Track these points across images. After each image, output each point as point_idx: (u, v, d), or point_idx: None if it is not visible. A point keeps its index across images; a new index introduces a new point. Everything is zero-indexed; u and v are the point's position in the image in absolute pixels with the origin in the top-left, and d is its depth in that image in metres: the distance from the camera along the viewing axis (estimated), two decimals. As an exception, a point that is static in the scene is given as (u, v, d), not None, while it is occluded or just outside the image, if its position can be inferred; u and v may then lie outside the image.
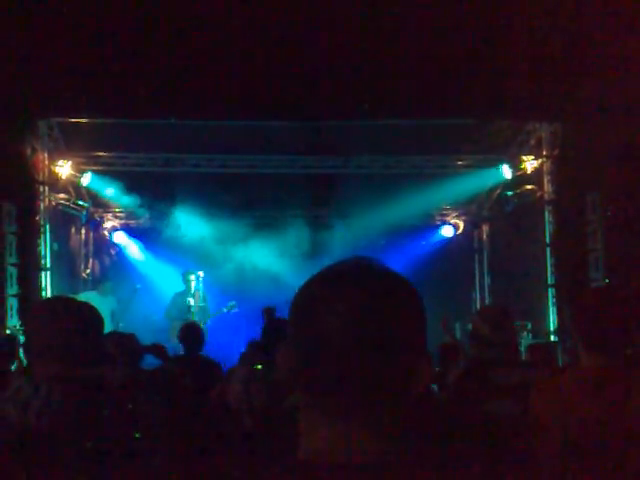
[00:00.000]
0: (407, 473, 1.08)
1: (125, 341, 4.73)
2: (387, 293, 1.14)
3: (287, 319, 1.18)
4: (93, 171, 11.08)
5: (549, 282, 9.79)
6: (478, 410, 3.37)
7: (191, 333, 6.27)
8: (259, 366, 4.33)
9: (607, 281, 8.15)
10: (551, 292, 9.73)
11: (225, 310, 11.29)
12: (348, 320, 1.09)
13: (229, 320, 11.50)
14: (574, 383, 2.59)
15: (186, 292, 11.36)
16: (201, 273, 11.55)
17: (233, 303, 11.27)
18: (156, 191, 11.58)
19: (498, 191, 11.69)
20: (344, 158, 11.15)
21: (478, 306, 12.92)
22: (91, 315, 2.45)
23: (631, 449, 2.34)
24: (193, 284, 11.38)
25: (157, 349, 5.20)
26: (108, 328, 10.16)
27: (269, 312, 9.19)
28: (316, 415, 1.13)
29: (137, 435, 2.26)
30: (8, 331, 8.50)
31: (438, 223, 13.64)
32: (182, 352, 6.32)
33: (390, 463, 1.09)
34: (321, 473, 1.08)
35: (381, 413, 1.11)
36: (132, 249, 13.42)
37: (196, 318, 10.57)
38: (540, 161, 10.07)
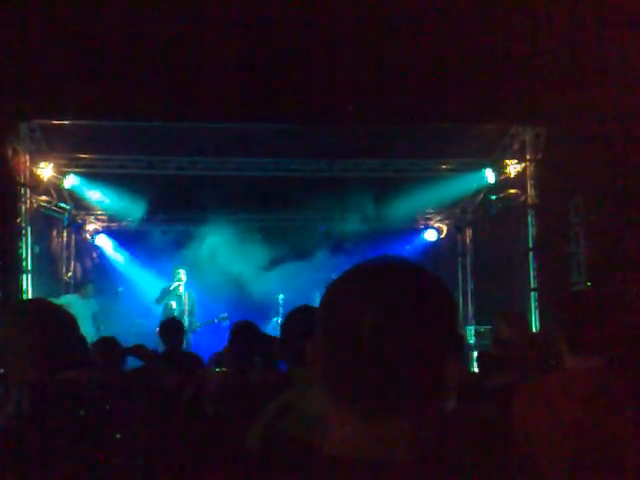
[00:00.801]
0: (435, 474, 1.07)
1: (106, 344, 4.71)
2: (421, 290, 1.13)
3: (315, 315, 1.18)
4: (75, 173, 11.00)
5: (532, 286, 9.82)
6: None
7: (171, 328, 6.26)
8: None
9: (589, 285, 8.19)
10: (534, 296, 9.76)
11: (216, 321, 11.21)
12: (383, 316, 1.08)
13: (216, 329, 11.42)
14: (557, 386, 2.59)
15: (174, 288, 11.26)
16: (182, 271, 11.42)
17: (225, 315, 11.17)
18: (139, 193, 11.49)
19: (482, 195, 11.74)
20: (328, 161, 11.13)
21: (461, 310, 12.96)
22: (65, 318, 2.41)
23: (614, 451, 2.33)
24: (183, 278, 11.28)
25: (138, 350, 5.17)
26: (89, 331, 10.12)
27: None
28: (344, 411, 1.11)
29: (117, 436, 2.23)
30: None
31: (422, 227, 13.67)
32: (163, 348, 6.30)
33: (418, 463, 1.08)
34: (347, 469, 1.07)
35: (413, 411, 1.10)
36: (114, 252, 13.34)
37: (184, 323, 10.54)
38: (523, 165, 10.11)
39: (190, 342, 10.98)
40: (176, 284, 11.14)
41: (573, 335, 2.58)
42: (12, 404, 2.13)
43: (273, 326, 11.37)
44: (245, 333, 4.70)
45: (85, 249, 13.32)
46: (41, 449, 2.12)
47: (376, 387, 1.08)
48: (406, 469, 1.07)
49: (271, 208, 12.38)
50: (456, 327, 1.16)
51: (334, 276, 1.22)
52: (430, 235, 13.50)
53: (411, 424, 1.09)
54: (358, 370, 1.08)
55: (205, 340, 10.76)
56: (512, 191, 10.41)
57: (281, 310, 11.73)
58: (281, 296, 11.94)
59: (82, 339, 4.81)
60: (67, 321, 2.43)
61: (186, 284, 11.35)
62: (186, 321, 10.87)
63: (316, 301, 2.70)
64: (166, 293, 11.16)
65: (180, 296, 11.21)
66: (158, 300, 11.19)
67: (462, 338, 1.21)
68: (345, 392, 1.11)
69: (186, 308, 11.13)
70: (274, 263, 12.39)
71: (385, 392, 1.08)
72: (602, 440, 2.35)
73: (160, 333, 6.27)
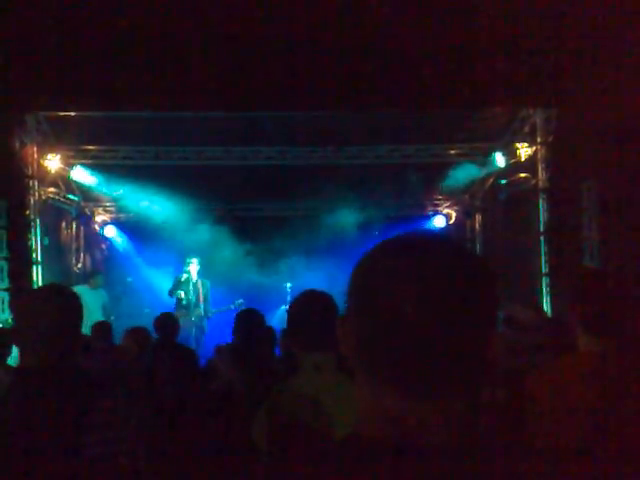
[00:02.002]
0: (474, 459, 1.02)
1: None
2: (462, 264, 1.07)
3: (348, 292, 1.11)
4: (83, 164, 11.00)
5: (543, 271, 9.74)
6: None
7: (167, 322, 6.30)
8: None
9: (602, 269, 8.10)
10: (545, 281, 9.68)
11: (232, 307, 11.22)
12: (424, 290, 1.02)
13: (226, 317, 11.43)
14: (570, 367, 2.55)
15: (187, 277, 11.25)
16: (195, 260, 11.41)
17: (241, 301, 11.20)
18: (146, 184, 11.48)
19: (491, 180, 11.63)
20: (335, 148, 11.07)
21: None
22: (76, 304, 2.40)
23: (627, 431, 2.29)
24: (194, 268, 11.27)
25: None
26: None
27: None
28: (381, 390, 1.05)
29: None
30: (0, 324, 8.44)
31: (430, 213, 13.59)
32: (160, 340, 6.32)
33: (460, 447, 1.03)
34: (381, 450, 1.02)
35: (457, 392, 1.05)
36: (123, 243, 13.36)
37: (198, 311, 10.58)
38: (534, 148, 10.00)
39: (205, 329, 11.00)
40: (185, 275, 11.13)
41: (587, 315, 2.54)
42: (19, 391, 2.12)
43: (281, 314, 11.37)
44: (247, 322, 4.69)
45: (94, 240, 13.36)
46: (45, 436, 2.10)
47: (420, 365, 1.02)
48: (445, 454, 1.01)
49: (278, 197, 12.36)
50: (497, 303, 1.09)
51: (341, 265, 1.17)
52: (439, 221, 13.41)
53: (455, 406, 1.04)
54: (400, 347, 1.03)
55: (220, 326, 10.76)
56: (523, 175, 10.29)
57: (289, 298, 11.72)
58: (289, 284, 11.92)
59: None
60: (78, 306, 2.43)
61: (199, 273, 11.35)
62: (201, 309, 10.89)
63: (325, 289, 2.64)
64: (178, 283, 11.16)
65: (194, 284, 11.21)
66: (172, 291, 11.19)
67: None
68: (385, 370, 1.05)
69: (200, 296, 11.13)
70: (282, 252, 12.36)
71: (430, 370, 1.03)
72: (615, 421, 2.32)
73: (156, 326, 6.29)
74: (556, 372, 2.59)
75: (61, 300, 2.39)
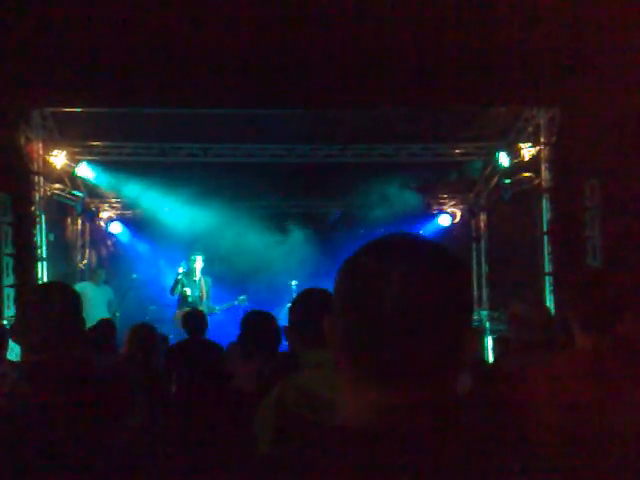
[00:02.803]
0: (452, 447, 1.07)
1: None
2: (440, 264, 1.16)
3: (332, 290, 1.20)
4: (88, 161, 11.04)
5: (546, 270, 9.76)
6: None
7: (194, 319, 6.38)
8: None
9: (604, 268, 8.11)
10: (548, 280, 9.70)
11: (236, 303, 11.28)
12: (404, 289, 1.10)
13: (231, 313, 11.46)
14: (568, 364, 2.59)
15: (190, 274, 11.30)
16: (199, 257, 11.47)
17: (243, 297, 11.27)
18: (152, 181, 11.53)
19: (496, 179, 11.65)
20: (341, 147, 11.10)
21: (475, 294, 12.92)
22: (77, 300, 2.43)
23: (622, 430, 2.32)
24: (198, 266, 11.32)
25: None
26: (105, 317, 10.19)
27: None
28: (362, 381, 1.13)
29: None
30: (5, 322, 8.47)
31: (435, 212, 13.61)
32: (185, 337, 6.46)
33: (436, 433, 1.08)
34: (362, 439, 1.08)
35: (431, 384, 1.11)
36: (128, 239, 13.41)
37: (202, 308, 10.60)
38: (538, 148, 10.02)
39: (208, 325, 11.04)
40: (180, 270, 11.17)
41: (585, 312, 2.58)
42: (8, 384, 2.15)
43: (286, 312, 11.38)
44: (255, 325, 4.74)
45: (99, 237, 13.40)
46: (54, 431, 2.13)
47: (399, 358, 1.10)
48: (424, 440, 1.07)
49: (284, 194, 12.38)
50: (472, 301, 1.19)
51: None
52: (444, 220, 13.43)
53: (430, 393, 1.10)
54: (380, 341, 1.10)
55: (224, 323, 10.79)
56: (526, 175, 10.32)
57: (294, 296, 11.72)
58: (294, 282, 11.95)
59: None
60: (79, 303, 2.46)
61: (202, 270, 11.40)
62: (204, 306, 10.94)
63: (329, 286, 2.68)
64: (177, 282, 11.21)
65: (198, 281, 11.26)
66: (172, 290, 11.26)
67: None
68: (367, 364, 1.12)
69: (203, 294, 11.19)
70: (287, 249, 12.39)
71: (408, 363, 1.10)
72: (610, 420, 2.34)
73: (183, 324, 6.41)
74: (553, 370, 2.62)
75: (61, 296, 2.42)
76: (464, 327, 1.15)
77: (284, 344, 4.05)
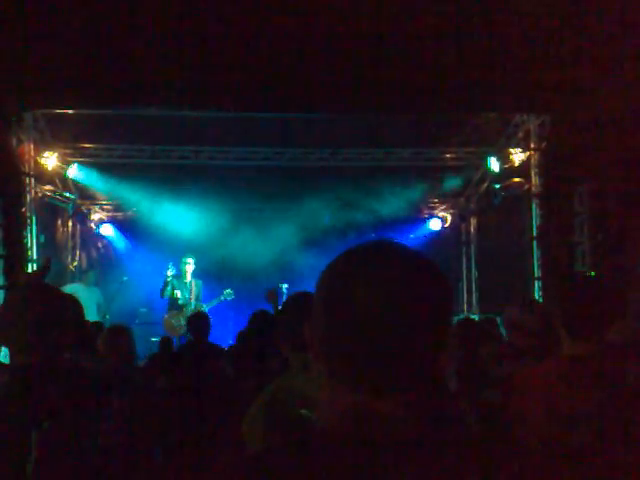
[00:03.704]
0: (432, 452, 1.08)
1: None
2: (418, 272, 1.16)
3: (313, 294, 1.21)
4: (79, 163, 11.03)
5: (535, 275, 9.81)
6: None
7: (199, 322, 6.40)
8: None
9: (592, 274, 8.16)
10: (537, 285, 9.75)
11: (222, 298, 11.28)
12: (380, 296, 1.11)
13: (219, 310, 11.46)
14: (554, 372, 2.60)
15: (181, 276, 11.31)
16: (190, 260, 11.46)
17: (229, 291, 11.27)
18: (143, 183, 11.52)
19: (486, 184, 11.72)
20: (331, 151, 11.13)
21: (465, 299, 12.98)
22: (65, 303, 2.43)
23: (608, 436, 2.34)
24: (189, 268, 11.33)
25: None
26: (95, 320, 10.16)
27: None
28: (340, 388, 1.13)
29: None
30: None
31: (426, 216, 13.66)
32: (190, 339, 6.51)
33: (417, 440, 1.09)
34: (340, 444, 1.09)
35: (408, 389, 1.12)
36: (119, 242, 13.39)
37: (191, 309, 10.60)
38: (528, 154, 10.08)
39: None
40: (169, 273, 11.17)
41: (572, 318, 2.60)
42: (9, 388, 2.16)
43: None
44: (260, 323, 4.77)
45: (90, 238, 13.37)
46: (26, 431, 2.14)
47: (377, 363, 1.10)
48: (401, 447, 1.08)
49: (275, 197, 12.39)
50: (452, 306, 1.19)
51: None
52: (434, 224, 13.50)
53: (406, 399, 1.11)
54: (358, 346, 1.11)
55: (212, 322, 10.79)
56: (516, 180, 10.38)
57: (284, 299, 11.71)
58: (285, 285, 11.96)
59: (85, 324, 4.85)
60: (64, 304, 2.45)
61: (193, 273, 11.40)
62: (193, 306, 10.93)
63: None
64: (167, 284, 11.21)
65: (189, 284, 11.26)
66: (162, 292, 11.26)
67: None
68: (345, 368, 1.13)
69: (193, 296, 11.19)
70: (278, 252, 12.40)
71: (386, 368, 1.11)
72: (597, 426, 2.37)
73: (189, 327, 6.43)
74: (539, 376, 2.64)
75: (44, 296, 2.42)
76: (442, 334, 1.15)
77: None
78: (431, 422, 1.11)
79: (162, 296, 11.27)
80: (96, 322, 7.10)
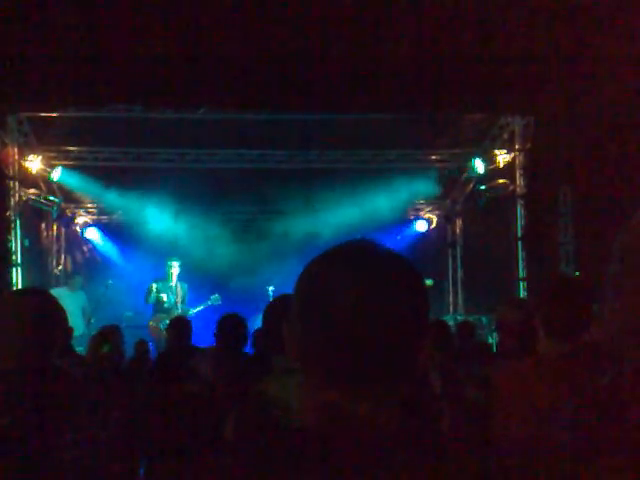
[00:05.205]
0: (409, 449, 1.10)
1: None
2: (395, 271, 1.17)
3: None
4: (64, 166, 10.97)
5: (520, 276, 9.86)
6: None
7: (182, 326, 6.37)
8: None
9: (577, 274, 8.22)
10: (522, 285, 9.80)
11: (209, 303, 11.25)
12: (356, 296, 1.11)
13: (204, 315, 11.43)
14: (531, 371, 2.63)
15: (166, 280, 11.28)
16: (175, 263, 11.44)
17: (216, 296, 11.24)
18: (128, 186, 11.47)
19: (471, 185, 11.76)
20: (318, 152, 11.13)
21: (451, 300, 13.02)
22: (51, 307, 2.41)
23: (583, 434, 2.36)
24: (175, 271, 11.30)
25: None
26: (80, 324, 10.12)
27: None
28: (319, 387, 1.14)
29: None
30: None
31: (412, 218, 13.68)
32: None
33: (395, 437, 1.10)
34: (318, 443, 1.10)
35: (388, 388, 1.13)
36: (104, 245, 13.32)
37: (177, 312, 10.56)
38: (512, 155, 10.14)
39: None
40: (154, 286, 11.16)
41: (549, 317, 2.62)
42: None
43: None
44: (231, 327, 4.75)
45: (75, 242, 13.29)
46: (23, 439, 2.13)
47: (354, 362, 1.11)
48: (377, 443, 1.09)
49: (261, 200, 12.38)
50: (428, 307, 1.19)
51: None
52: (420, 226, 13.53)
53: (387, 399, 1.13)
54: (335, 346, 1.12)
55: (199, 326, 10.77)
56: (501, 181, 10.43)
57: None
58: (271, 288, 11.95)
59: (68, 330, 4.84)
60: (53, 310, 2.43)
61: (178, 276, 11.38)
62: (179, 309, 10.90)
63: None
64: (150, 291, 11.18)
65: (174, 287, 11.24)
66: (146, 299, 11.23)
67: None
68: (322, 368, 1.14)
69: (178, 299, 11.16)
70: (264, 255, 12.38)
71: (363, 367, 1.12)
72: (571, 425, 2.38)
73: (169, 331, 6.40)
74: (516, 376, 2.66)
75: (34, 301, 2.40)
76: (422, 334, 1.16)
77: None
78: (405, 421, 1.13)
79: (146, 302, 11.24)
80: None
